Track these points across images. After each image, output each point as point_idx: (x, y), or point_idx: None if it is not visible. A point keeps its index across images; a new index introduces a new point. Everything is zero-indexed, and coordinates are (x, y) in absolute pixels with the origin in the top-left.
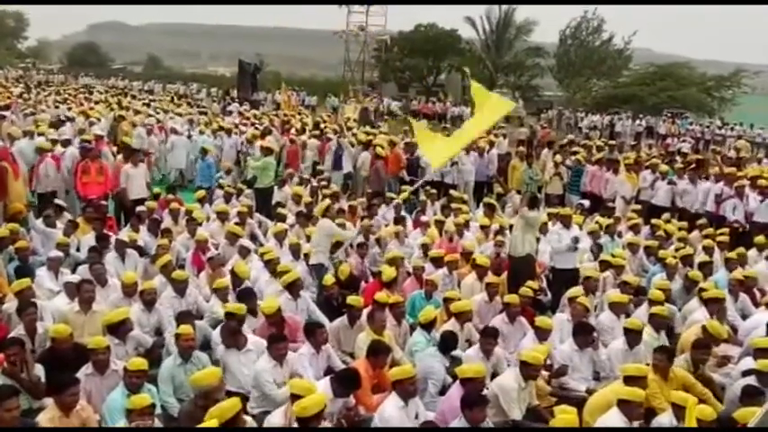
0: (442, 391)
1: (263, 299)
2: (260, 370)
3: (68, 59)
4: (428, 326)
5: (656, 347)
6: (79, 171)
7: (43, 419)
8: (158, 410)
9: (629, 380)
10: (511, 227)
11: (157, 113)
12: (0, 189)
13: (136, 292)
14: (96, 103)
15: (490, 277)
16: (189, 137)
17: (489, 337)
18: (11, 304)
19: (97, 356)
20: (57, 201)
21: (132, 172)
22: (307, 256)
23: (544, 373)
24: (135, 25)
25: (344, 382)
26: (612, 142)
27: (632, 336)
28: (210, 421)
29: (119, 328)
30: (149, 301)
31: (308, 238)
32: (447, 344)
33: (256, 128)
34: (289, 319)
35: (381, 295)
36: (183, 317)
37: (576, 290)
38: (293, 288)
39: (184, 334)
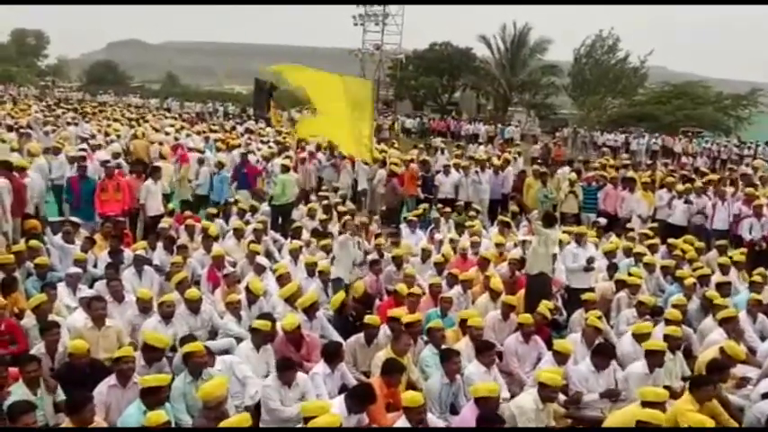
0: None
1: (278, 315)
2: (265, 386)
3: (87, 77)
4: (436, 342)
5: (696, 379)
6: (98, 189)
7: None
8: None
9: (647, 405)
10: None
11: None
12: (19, 205)
13: (152, 308)
14: (115, 120)
15: (505, 296)
16: (202, 152)
17: (486, 350)
18: (29, 320)
19: (123, 365)
20: (71, 218)
21: (153, 188)
22: (322, 273)
23: (561, 396)
24: (153, 43)
25: (359, 397)
26: (627, 161)
27: (654, 358)
28: None
29: (154, 352)
30: (168, 313)
31: (322, 248)
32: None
33: (270, 146)
34: (307, 337)
35: (398, 311)
36: (186, 339)
37: (590, 313)
38: (309, 310)
39: (197, 351)
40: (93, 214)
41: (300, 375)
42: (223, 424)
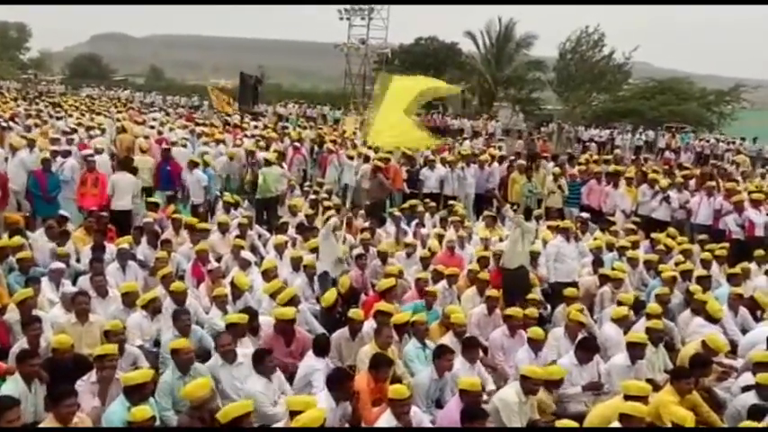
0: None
1: (263, 309)
2: (254, 392)
3: (70, 71)
4: (420, 336)
5: (677, 371)
6: (78, 182)
7: None
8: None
9: (630, 398)
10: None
11: (161, 126)
12: (1, 198)
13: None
14: (98, 114)
15: (490, 290)
16: (184, 146)
17: (472, 348)
18: (12, 314)
19: (106, 363)
20: (61, 211)
21: (121, 182)
22: (306, 267)
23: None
24: (137, 37)
25: (337, 382)
26: (608, 157)
27: (635, 350)
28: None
29: (114, 336)
30: (155, 308)
31: (312, 250)
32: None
33: (257, 140)
34: (298, 333)
35: (387, 305)
36: (179, 314)
37: (572, 307)
38: (290, 305)
39: (183, 348)
40: (57, 209)
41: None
42: (224, 410)
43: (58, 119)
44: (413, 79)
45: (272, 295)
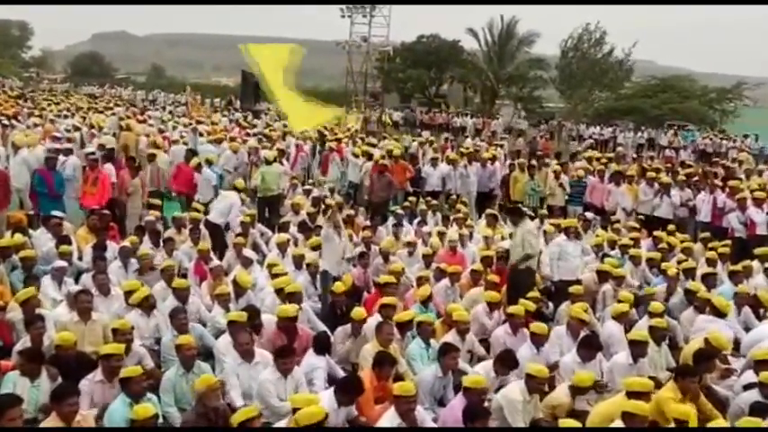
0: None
1: (265, 307)
2: (263, 380)
3: (72, 69)
4: (426, 336)
5: (682, 369)
6: (80, 180)
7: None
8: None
9: (633, 395)
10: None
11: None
12: (3, 196)
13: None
14: (101, 112)
15: (489, 293)
16: (185, 143)
17: (509, 364)
18: (15, 313)
19: (114, 362)
20: (54, 211)
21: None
22: (309, 266)
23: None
24: (139, 35)
25: (347, 390)
26: (610, 155)
27: (637, 348)
28: None
29: (122, 336)
30: (147, 305)
31: (313, 248)
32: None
33: (260, 138)
34: (301, 330)
35: (391, 299)
36: (176, 312)
37: (575, 305)
38: (293, 300)
39: (185, 344)
40: (62, 207)
41: (296, 368)
42: (234, 416)
43: (64, 117)
44: (269, 51)
45: (279, 291)
